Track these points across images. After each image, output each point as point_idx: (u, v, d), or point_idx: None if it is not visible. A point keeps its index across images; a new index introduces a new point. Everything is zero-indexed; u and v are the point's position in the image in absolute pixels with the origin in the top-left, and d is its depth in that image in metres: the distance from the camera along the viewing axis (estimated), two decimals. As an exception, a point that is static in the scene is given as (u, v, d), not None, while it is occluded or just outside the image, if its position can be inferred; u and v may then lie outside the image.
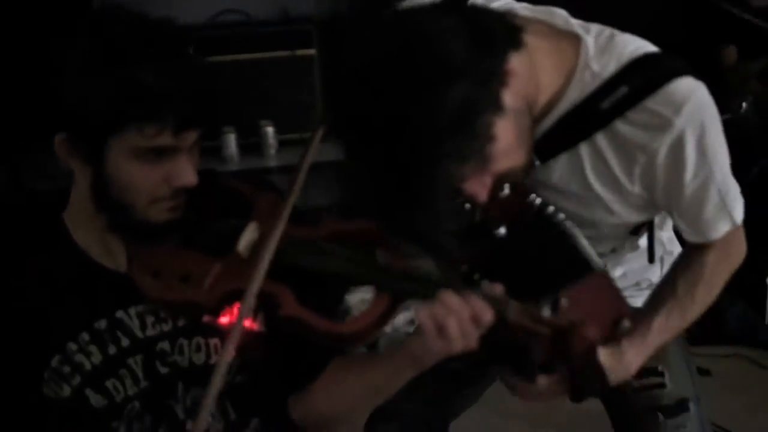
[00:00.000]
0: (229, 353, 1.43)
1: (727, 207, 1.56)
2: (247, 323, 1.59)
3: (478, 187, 1.40)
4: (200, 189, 1.52)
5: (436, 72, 1.28)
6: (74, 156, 1.49)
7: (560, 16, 1.54)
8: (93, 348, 1.54)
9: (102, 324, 1.55)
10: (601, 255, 1.64)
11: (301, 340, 1.58)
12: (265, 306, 1.44)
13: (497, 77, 1.33)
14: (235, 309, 1.58)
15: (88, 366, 1.54)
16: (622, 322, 1.42)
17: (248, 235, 1.50)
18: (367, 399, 1.59)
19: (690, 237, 1.61)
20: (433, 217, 1.33)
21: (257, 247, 1.49)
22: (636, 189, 1.52)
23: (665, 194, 1.52)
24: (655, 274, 1.77)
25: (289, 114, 3.35)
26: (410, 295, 1.41)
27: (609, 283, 1.52)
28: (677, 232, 1.69)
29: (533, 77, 1.45)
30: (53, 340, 1.54)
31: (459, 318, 1.37)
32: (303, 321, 1.42)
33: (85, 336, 1.54)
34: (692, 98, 1.46)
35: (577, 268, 1.51)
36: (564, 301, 1.40)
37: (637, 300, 1.75)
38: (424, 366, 1.48)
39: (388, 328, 1.45)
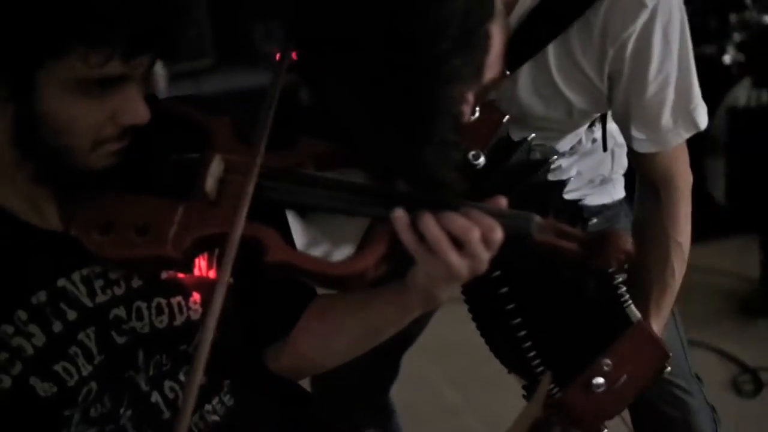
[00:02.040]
0: (215, 311, 1.18)
1: (689, 108, 1.47)
2: (212, 274, 1.37)
3: (463, 106, 1.22)
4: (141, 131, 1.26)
5: None
6: None
7: None
8: (33, 328, 1.27)
9: (41, 297, 1.28)
10: (561, 155, 1.57)
11: (272, 288, 1.39)
12: (247, 253, 1.21)
13: None
14: (203, 260, 1.35)
15: (29, 350, 1.27)
16: (665, 368, 1.41)
17: (214, 171, 1.25)
18: (366, 339, 1.38)
19: (644, 147, 1.50)
20: (441, 148, 1.15)
21: (226, 184, 1.25)
22: (604, 87, 1.43)
23: (626, 91, 1.43)
24: (606, 168, 1.72)
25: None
26: None
27: (649, 333, 1.43)
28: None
29: None
30: None
31: (464, 240, 1.18)
32: (295, 265, 1.20)
33: (22, 314, 1.27)
34: None
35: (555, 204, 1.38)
36: (607, 363, 1.36)
37: (594, 197, 1.68)
38: (438, 300, 1.27)
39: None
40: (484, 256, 1.19)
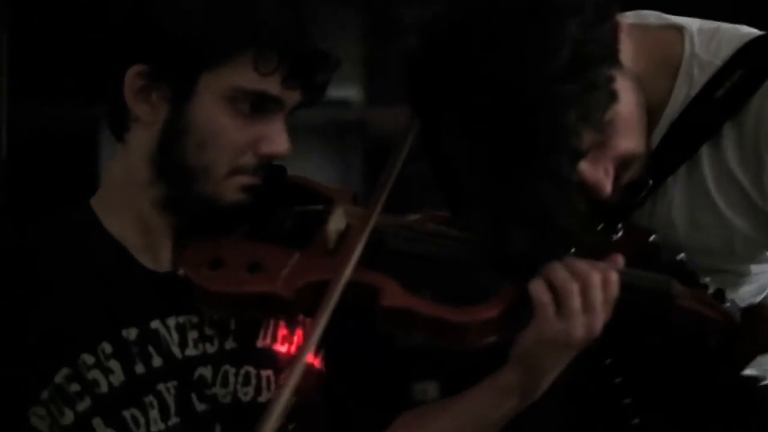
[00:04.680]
0: (294, 380, 1.12)
1: None
2: (308, 358, 1.28)
3: (600, 174, 1.20)
4: (271, 180, 1.25)
5: (546, 6, 1.15)
6: (150, 94, 1.20)
7: (651, 14, 1.36)
8: (114, 364, 1.19)
9: (131, 333, 1.21)
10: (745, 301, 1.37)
11: (366, 384, 1.29)
12: (359, 302, 1.15)
13: (610, 21, 1.19)
14: (301, 330, 1.27)
15: (104, 387, 1.19)
16: None
17: (335, 220, 1.22)
18: None
19: None
20: (559, 185, 1.13)
21: (346, 236, 1.21)
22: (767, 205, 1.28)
23: None
24: None
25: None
26: None
27: None
28: None
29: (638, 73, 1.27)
30: (63, 347, 1.19)
31: (586, 283, 1.14)
32: (413, 311, 1.14)
33: (107, 347, 1.20)
34: None
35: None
36: None
37: None
38: (532, 383, 1.17)
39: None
40: (601, 309, 1.15)
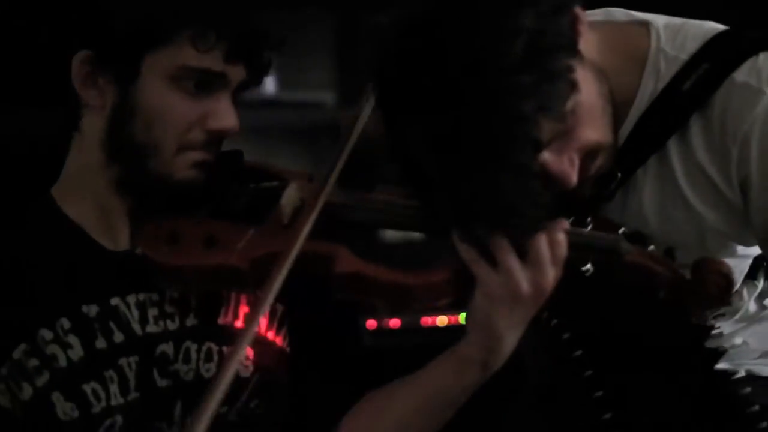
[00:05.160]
0: (243, 344, 1.11)
1: None
2: (270, 335, 1.30)
3: (565, 164, 1.20)
4: (225, 163, 1.27)
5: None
6: (97, 79, 1.21)
7: (619, 12, 1.38)
8: (73, 339, 1.20)
9: (92, 310, 1.21)
10: (721, 315, 1.37)
11: (331, 363, 1.31)
12: (314, 270, 1.17)
13: (567, 12, 1.18)
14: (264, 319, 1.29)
15: (62, 361, 1.19)
16: None
17: (289, 195, 1.23)
18: (422, 417, 1.23)
19: None
20: (518, 174, 1.12)
21: (300, 211, 1.22)
22: (737, 198, 1.27)
23: (760, 204, 1.25)
24: None
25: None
26: None
27: None
28: None
29: (604, 69, 1.28)
30: (21, 324, 1.19)
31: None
32: (363, 275, 1.17)
33: (65, 322, 1.20)
34: None
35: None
36: None
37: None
38: (492, 349, 1.16)
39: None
40: (549, 266, 1.15)
